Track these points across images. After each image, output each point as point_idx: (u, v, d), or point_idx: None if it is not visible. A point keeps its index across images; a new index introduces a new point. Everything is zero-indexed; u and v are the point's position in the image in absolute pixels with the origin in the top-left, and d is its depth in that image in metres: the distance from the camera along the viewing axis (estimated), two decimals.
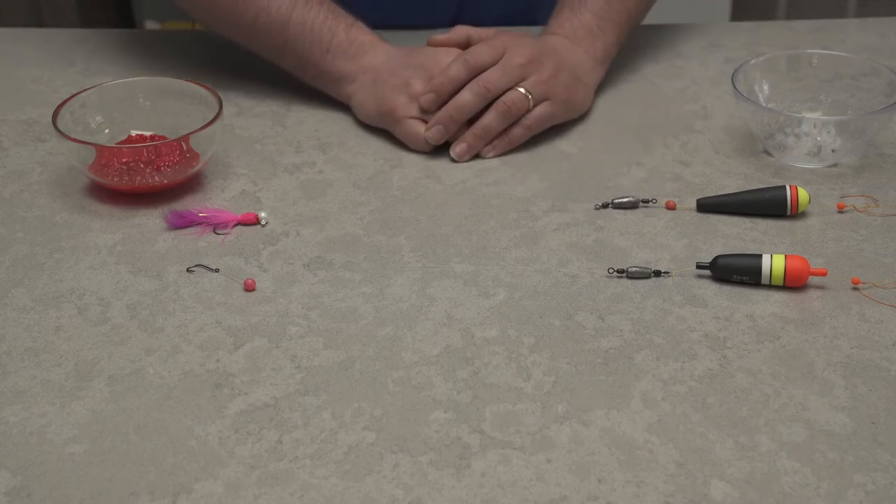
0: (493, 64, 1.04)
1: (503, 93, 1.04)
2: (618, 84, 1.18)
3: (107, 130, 1.04)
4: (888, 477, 0.70)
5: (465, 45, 1.09)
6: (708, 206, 0.97)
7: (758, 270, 0.86)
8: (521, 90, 1.04)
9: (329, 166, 1.05)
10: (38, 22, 2.42)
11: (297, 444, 0.73)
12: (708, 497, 0.69)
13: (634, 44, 1.25)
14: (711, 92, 1.17)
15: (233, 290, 0.88)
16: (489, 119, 1.04)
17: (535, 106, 1.04)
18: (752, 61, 1.07)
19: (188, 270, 0.90)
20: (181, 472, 0.71)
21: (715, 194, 0.98)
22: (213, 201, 0.99)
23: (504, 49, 1.05)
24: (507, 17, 1.33)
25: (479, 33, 1.10)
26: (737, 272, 0.87)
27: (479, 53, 1.05)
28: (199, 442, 0.73)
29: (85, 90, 1.04)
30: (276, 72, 1.16)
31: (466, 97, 1.03)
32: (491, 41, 1.06)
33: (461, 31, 1.10)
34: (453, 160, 1.05)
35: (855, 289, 0.87)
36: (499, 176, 1.03)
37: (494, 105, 1.04)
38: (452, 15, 1.32)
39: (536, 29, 1.27)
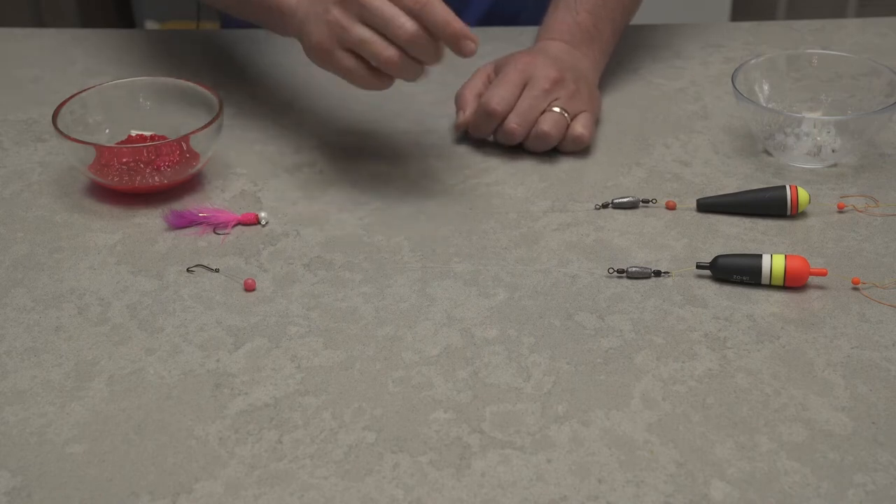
0: (515, 102, 1.04)
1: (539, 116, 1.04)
2: (618, 84, 1.18)
3: (107, 130, 1.04)
4: (888, 477, 0.70)
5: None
6: (708, 206, 0.97)
7: (758, 270, 0.86)
8: (556, 109, 1.03)
9: (329, 166, 1.05)
10: (38, 22, 2.43)
11: (297, 444, 0.73)
12: (708, 497, 0.69)
13: (634, 44, 1.25)
14: (711, 92, 1.17)
15: (233, 290, 0.88)
16: (546, 126, 1.03)
17: (572, 121, 1.04)
18: (752, 61, 1.07)
19: (188, 270, 0.90)
20: (181, 472, 0.71)
21: (715, 194, 0.98)
22: (213, 201, 0.99)
23: (523, 82, 1.04)
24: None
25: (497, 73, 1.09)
26: (737, 272, 0.87)
27: (494, 97, 1.03)
28: (199, 442, 0.73)
29: (85, 90, 1.04)
30: (276, 72, 1.16)
31: (511, 128, 1.03)
32: (507, 77, 1.05)
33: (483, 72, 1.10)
34: (452, 160, 1.05)
35: (855, 289, 0.87)
36: (499, 176, 1.03)
37: (540, 120, 1.03)
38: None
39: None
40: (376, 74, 0.92)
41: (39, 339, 0.83)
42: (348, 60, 0.91)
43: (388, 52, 0.89)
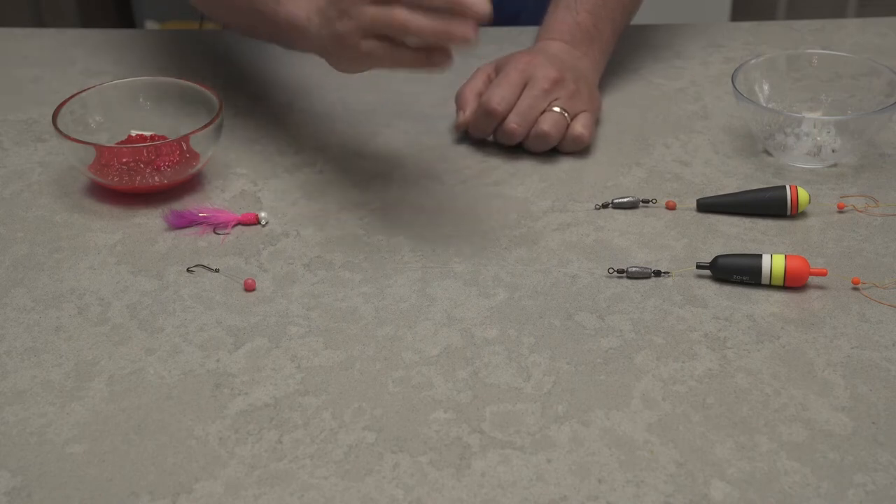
0: (516, 101, 1.04)
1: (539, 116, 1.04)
2: (618, 84, 1.18)
3: (107, 130, 1.04)
4: (888, 477, 0.70)
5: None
6: (708, 206, 0.97)
7: (758, 270, 0.86)
8: (556, 109, 1.03)
9: (329, 166, 1.05)
10: (38, 22, 2.43)
11: (297, 444, 0.73)
12: (708, 497, 0.69)
13: (634, 44, 1.25)
14: (711, 92, 1.17)
15: (233, 290, 0.88)
16: (546, 126, 1.03)
17: (572, 120, 1.04)
18: (752, 61, 1.07)
19: (188, 270, 0.90)
20: (181, 472, 0.71)
21: (715, 194, 0.98)
22: (213, 201, 0.99)
23: (524, 82, 1.04)
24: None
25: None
26: (737, 272, 0.87)
27: (495, 96, 1.03)
28: (199, 442, 0.73)
29: (85, 90, 1.04)
30: (276, 72, 1.16)
31: (511, 127, 1.03)
32: (507, 77, 1.05)
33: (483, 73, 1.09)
34: (452, 160, 1.05)
35: (855, 289, 0.87)
36: (499, 176, 1.03)
37: (540, 120, 1.03)
38: None
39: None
40: (400, 47, 0.87)
41: (39, 339, 0.83)
42: (371, 44, 0.87)
43: (399, 14, 0.85)
